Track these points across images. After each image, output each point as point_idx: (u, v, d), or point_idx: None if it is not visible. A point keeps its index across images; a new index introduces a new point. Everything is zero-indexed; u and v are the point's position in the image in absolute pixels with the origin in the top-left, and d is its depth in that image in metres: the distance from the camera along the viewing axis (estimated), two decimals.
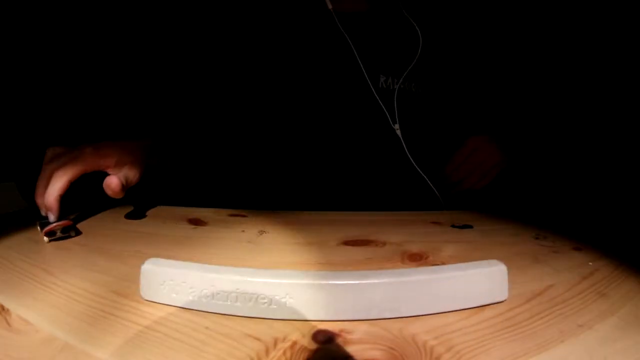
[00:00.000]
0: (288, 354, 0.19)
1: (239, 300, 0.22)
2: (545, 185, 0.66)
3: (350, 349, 0.20)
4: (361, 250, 0.33)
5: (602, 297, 0.25)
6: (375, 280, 0.22)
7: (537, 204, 0.56)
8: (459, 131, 0.64)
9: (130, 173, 0.40)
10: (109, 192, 0.38)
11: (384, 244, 0.34)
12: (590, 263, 0.30)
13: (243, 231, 0.38)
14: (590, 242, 0.35)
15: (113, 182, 0.37)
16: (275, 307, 0.22)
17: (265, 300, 0.22)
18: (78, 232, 0.37)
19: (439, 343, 0.20)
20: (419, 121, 0.61)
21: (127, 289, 0.25)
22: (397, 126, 0.56)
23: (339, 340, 0.20)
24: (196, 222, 0.41)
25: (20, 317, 0.22)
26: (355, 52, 0.58)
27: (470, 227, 0.40)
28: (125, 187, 0.39)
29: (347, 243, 0.34)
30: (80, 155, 0.38)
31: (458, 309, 0.23)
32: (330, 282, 0.22)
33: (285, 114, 0.62)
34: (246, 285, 0.22)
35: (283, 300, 0.22)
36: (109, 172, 0.39)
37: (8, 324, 0.22)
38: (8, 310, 0.23)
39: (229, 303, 0.22)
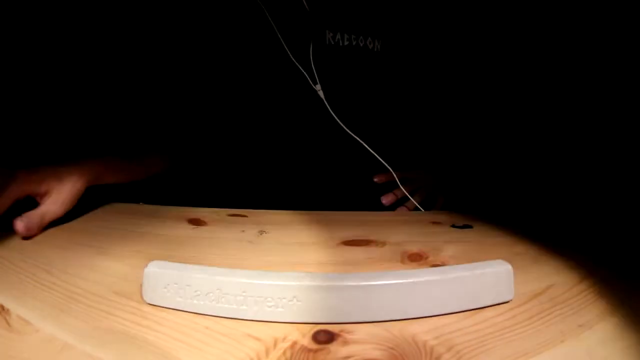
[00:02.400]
0: (288, 354, 0.19)
1: (246, 304, 0.22)
2: (544, 187, 0.66)
3: (351, 349, 0.20)
4: (361, 250, 0.33)
5: (602, 297, 0.25)
6: (389, 282, 0.22)
7: (537, 205, 0.56)
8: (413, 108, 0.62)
9: (52, 207, 0.37)
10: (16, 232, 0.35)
11: (384, 244, 0.34)
12: (590, 263, 0.31)
13: (243, 231, 0.38)
14: (590, 242, 0.35)
15: (18, 227, 0.34)
16: (282, 310, 0.21)
17: (272, 304, 0.21)
18: None
19: (439, 343, 0.20)
20: (360, 82, 0.57)
21: (127, 289, 0.25)
22: (318, 87, 0.54)
23: (339, 340, 0.20)
24: (196, 222, 0.41)
25: (20, 317, 0.22)
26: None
27: (470, 227, 0.40)
28: (41, 226, 0.36)
29: (347, 243, 0.34)
30: (11, 182, 0.35)
31: (467, 309, 0.23)
32: (340, 284, 0.22)
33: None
34: (253, 289, 0.22)
35: (290, 303, 0.21)
36: (37, 201, 0.37)
37: (8, 324, 0.22)
38: (8, 310, 0.23)
39: (234, 307, 0.22)
